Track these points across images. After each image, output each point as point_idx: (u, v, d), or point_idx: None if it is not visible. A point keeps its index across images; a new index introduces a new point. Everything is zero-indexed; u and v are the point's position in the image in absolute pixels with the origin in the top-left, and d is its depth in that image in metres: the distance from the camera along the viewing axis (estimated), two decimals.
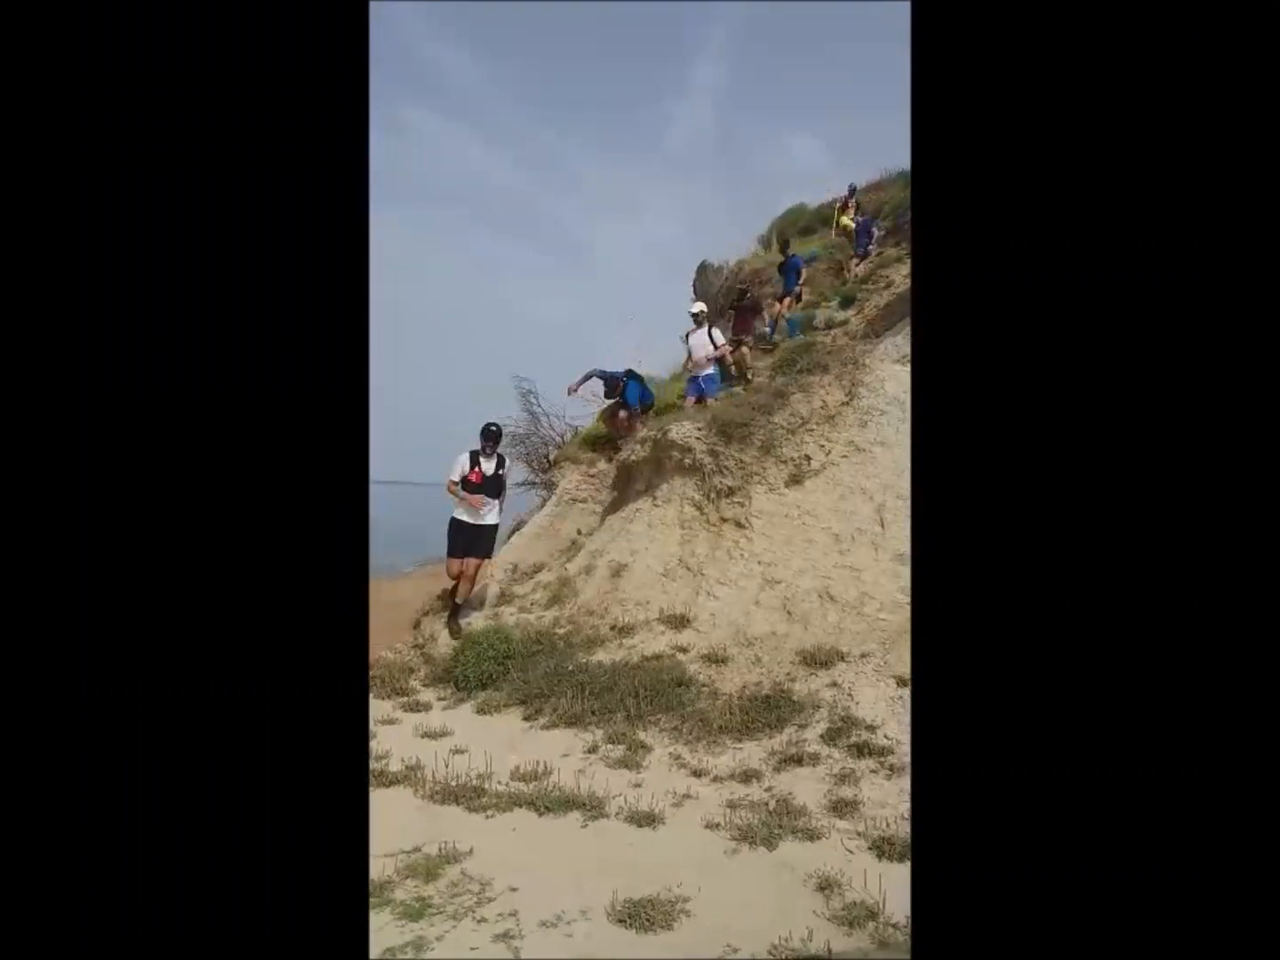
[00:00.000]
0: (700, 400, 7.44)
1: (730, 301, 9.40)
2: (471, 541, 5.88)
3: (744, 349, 8.52)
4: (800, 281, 10.39)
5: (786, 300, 10.10)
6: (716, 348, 7.77)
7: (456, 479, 5.93)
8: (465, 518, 5.92)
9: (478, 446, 5.96)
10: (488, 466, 5.97)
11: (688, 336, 8.16)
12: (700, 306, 8.14)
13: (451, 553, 5.96)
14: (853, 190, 13.83)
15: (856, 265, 11.88)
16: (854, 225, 12.50)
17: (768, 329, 9.82)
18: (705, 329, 7.81)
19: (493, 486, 5.97)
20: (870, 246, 12.09)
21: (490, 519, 5.97)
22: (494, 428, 6.06)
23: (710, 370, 7.70)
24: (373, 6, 1.46)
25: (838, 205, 13.90)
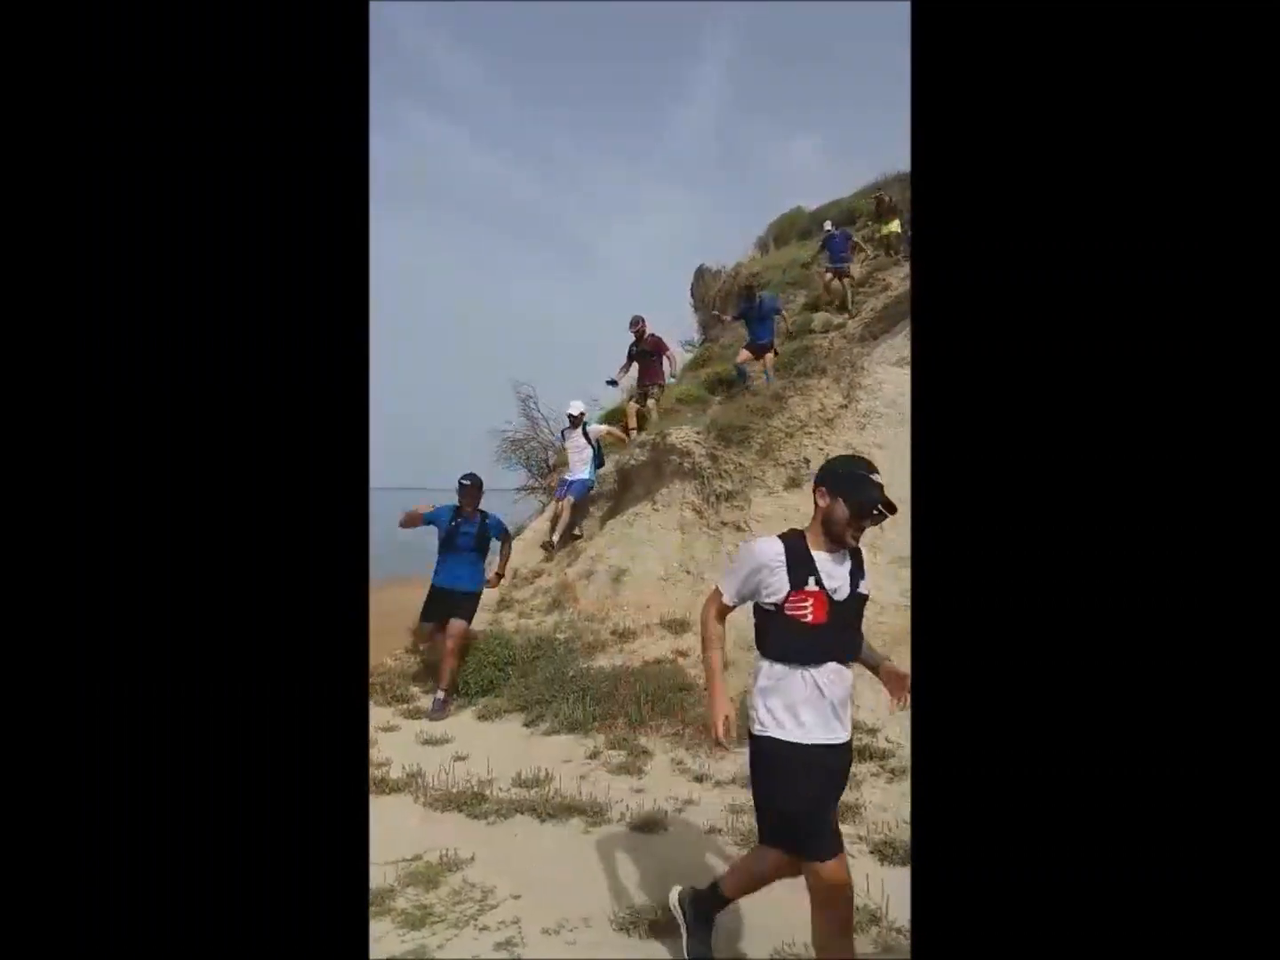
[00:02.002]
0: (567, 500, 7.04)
1: (630, 350, 8.27)
2: None
3: (650, 401, 7.92)
4: (778, 332, 8.53)
5: (767, 356, 8.07)
6: (590, 443, 7.35)
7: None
8: None
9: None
10: None
11: (563, 435, 7.82)
12: (578, 408, 7.53)
13: None
14: (885, 198, 12.19)
15: (833, 281, 10.89)
16: (900, 231, 11.45)
17: (673, 378, 8.54)
18: (581, 429, 7.41)
19: None
20: (844, 256, 10.92)
21: None
22: None
23: (584, 474, 7.23)
24: (373, 6, 1.46)
25: (879, 211, 12.50)
